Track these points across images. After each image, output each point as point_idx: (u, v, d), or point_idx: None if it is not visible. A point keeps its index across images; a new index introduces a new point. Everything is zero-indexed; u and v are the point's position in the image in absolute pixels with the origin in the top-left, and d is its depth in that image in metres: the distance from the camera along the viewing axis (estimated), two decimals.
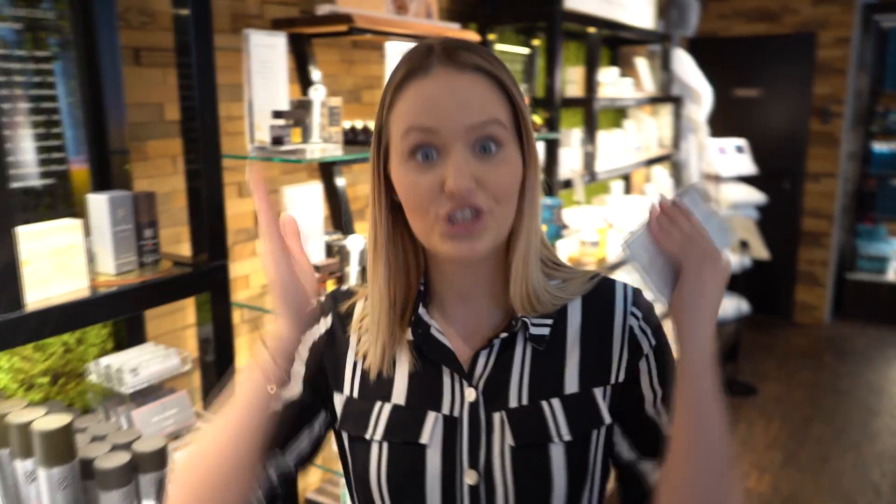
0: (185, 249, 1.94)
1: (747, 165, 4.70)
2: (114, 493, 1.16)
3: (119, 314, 1.33)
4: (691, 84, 4.30)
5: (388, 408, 0.86)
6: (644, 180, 4.41)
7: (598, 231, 2.98)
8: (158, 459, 1.22)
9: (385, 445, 0.84)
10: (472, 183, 0.76)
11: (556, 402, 0.83)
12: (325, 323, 0.93)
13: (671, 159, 4.25)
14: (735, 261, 4.66)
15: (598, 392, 0.85)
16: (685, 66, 4.31)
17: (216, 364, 1.51)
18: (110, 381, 1.39)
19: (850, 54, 5.28)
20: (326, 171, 2.10)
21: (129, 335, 1.61)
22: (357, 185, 2.51)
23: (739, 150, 4.77)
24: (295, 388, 0.91)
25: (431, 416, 0.84)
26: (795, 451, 3.79)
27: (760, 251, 4.26)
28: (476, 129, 0.77)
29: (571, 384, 0.84)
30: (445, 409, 0.84)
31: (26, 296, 1.14)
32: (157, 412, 1.43)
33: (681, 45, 4.75)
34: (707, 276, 0.82)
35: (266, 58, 1.69)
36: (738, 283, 4.69)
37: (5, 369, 1.45)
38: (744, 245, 4.32)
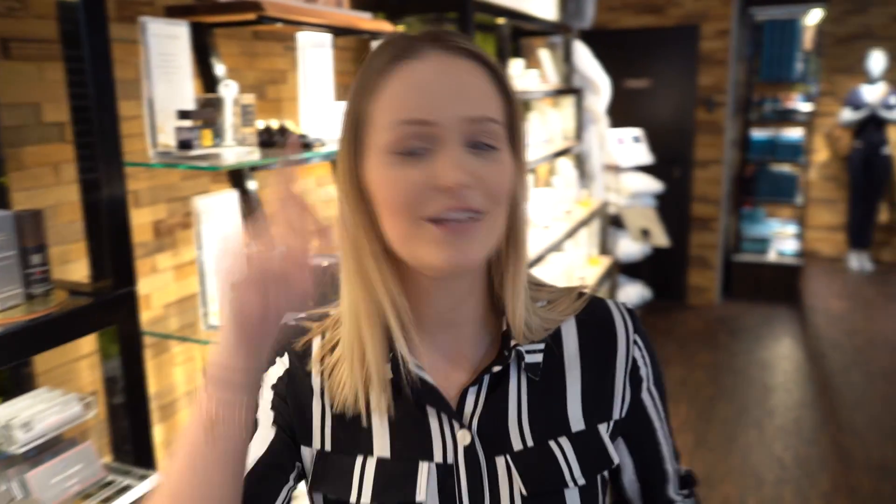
0: (75, 271, 1.69)
1: (644, 155, 4.81)
2: None
3: (4, 363, 1.10)
4: (590, 76, 4.33)
5: (371, 463, 0.73)
6: (549, 173, 4.41)
7: None
8: None
9: None
10: (470, 179, 0.66)
11: (564, 441, 0.75)
12: (283, 362, 0.78)
13: (574, 151, 4.26)
14: (637, 249, 4.77)
15: (602, 429, 0.78)
16: (583, 57, 4.34)
17: (127, 406, 1.29)
18: None
19: (729, 46, 5.52)
20: (236, 175, 1.90)
21: (15, 379, 1.36)
22: (266, 188, 2.30)
23: (636, 140, 4.87)
24: (262, 444, 0.75)
25: (424, 468, 0.72)
26: (705, 432, 3.91)
27: (661, 239, 4.37)
28: (474, 122, 0.67)
29: (577, 420, 0.76)
30: (438, 457, 0.72)
31: None
32: (58, 471, 1.21)
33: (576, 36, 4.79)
34: None
35: (166, 50, 1.48)
36: (640, 271, 4.80)
37: None
38: (645, 233, 4.41)
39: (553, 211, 3.61)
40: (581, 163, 4.42)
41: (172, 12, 1.78)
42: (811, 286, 6.37)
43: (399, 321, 0.74)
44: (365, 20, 2.07)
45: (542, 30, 3.84)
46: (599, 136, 4.48)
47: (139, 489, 1.19)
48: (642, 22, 5.73)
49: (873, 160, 6.43)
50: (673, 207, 5.77)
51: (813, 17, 6.06)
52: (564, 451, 0.74)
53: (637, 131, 4.97)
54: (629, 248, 4.73)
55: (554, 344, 0.78)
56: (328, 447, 0.75)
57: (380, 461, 0.73)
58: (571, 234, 3.63)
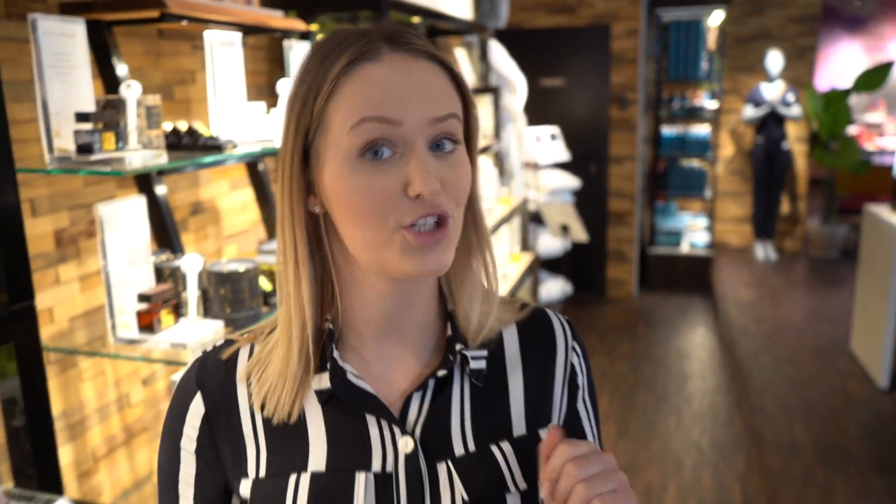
0: None
1: (561, 152, 4.90)
2: None
3: None
4: (507, 74, 4.38)
5: (306, 479, 0.70)
6: None
7: None
8: None
9: None
10: (439, 185, 0.65)
11: (506, 446, 0.74)
12: (199, 405, 0.74)
13: (493, 149, 4.30)
14: (557, 245, 4.85)
15: (543, 433, 0.76)
16: (499, 56, 4.38)
17: (28, 428, 1.21)
18: None
19: (639, 45, 5.69)
20: (143, 180, 1.81)
21: None
22: (175, 193, 2.22)
23: (553, 137, 4.96)
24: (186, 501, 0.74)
25: (361, 478, 0.70)
26: (626, 422, 4.02)
27: (580, 234, 4.46)
28: (438, 122, 0.66)
29: (519, 425, 0.76)
30: (376, 466, 0.70)
31: None
32: None
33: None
34: None
35: (61, 49, 1.39)
36: (561, 266, 4.89)
37: None
38: (564, 229, 4.50)
39: None
40: (500, 161, 4.46)
41: (67, 9, 1.68)
42: (721, 276, 6.65)
43: (336, 329, 0.73)
44: (276, 18, 2.02)
45: (458, 29, 3.85)
46: (517, 135, 4.54)
47: None
48: (555, 22, 5.84)
49: (775, 154, 6.77)
50: (591, 203, 5.91)
51: (715, 19, 6.32)
52: (506, 456, 0.73)
53: (554, 129, 5.06)
54: (550, 244, 4.82)
55: (496, 350, 0.77)
56: (262, 473, 0.72)
57: (314, 476, 0.70)
58: (493, 231, 3.66)
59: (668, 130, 6.48)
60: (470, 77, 4.09)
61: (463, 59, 4.02)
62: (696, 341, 5.24)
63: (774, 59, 6.57)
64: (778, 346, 5.00)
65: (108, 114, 1.41)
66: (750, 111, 6.72)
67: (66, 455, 1.89)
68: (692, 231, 6.61)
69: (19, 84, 1.65)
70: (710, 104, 6.44)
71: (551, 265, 5.18)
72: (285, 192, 0.69)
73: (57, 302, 1.82)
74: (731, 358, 4.88)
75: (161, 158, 1.46)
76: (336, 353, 0.72)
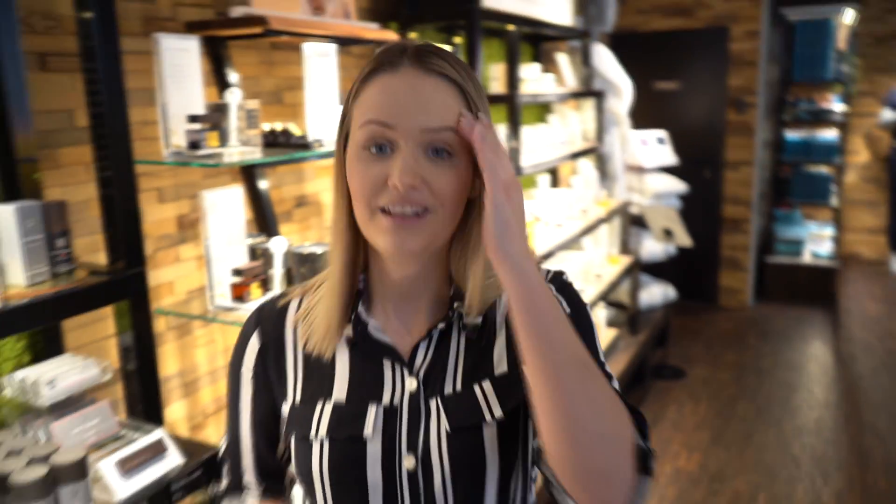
0: (104, 258, 1.90)
1: (668, 156, 4.86)
2: None
3: (32, 326, 1.30)
4: (612, 78, 4.42)
5: (329, 406, 0.88)
6: (570, 173, 4.52)
7: None
8: (78, 470, 1.20)
9: (326, 442, 0.86)
10: (418, 181, 0.78)
11: (487, 384, 0.86)
12: (256, 341, 0.95)
13: (596, 152, 4.36)
14: (660, 249, 4.82)
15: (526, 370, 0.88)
16: (605, 61, 4.44)
17: (138, 372, 1.49)
18: (26, 395, 1.36)
19: (759, 47, 5.52)
20: (248, 174, 2.09)
21: (47, 347, 1.57)
22: (282, 187, 2.50)
23: (661, 141, 4.93)
24: (246, 415, 0.95)
25: (372, 409, 0.86)
26: (722, 430, 3.96)
27: (684, 239, 4.43)
28: (431, 132, 0.78)
29: (501, 365, 0.88)
30: (386, 401, 0.86)
31: None
32: (78, 423, 1.41)
33: (601, 40, 4.88)
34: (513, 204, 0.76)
35: (178, 61, 1.67)
36: (664, 271, 4.86)
37: None
38: (668, 234, 4.48)
39: (568, 210, 3.72)
40: (603, 163, 4.51)
41: (191, 27, 1.98)
42: (849, 289, 6.28)
43: (365, 291, 0.91)
44: (370, 30, 2.25)
45: (560, 35, 3.96)
46: (621, 138, 4.57)
47: (143, 440, 1.38)
48: (672, 24, 5.78)
49: None
50: (704, 209, 5.80)
51: (847, 17, 6.00)
52: (485, 392, 0.86)
53: (661, 133, 5.02)
54: (653, 248, 4.80)
55: (491, 310, 0.90)
56: (298, 400, 0.91)
57: (336, 404, 0.87)
58: (586, 232, 3.73)
59: (792, 135, 6.22)
60: (571, 81, 4.18)
61: (564, 64, 4.12)
62: (810, 354, 5.02)
63: None
64: None
65: (214, 116, 1.68)
66: (888, 114, 6.31)
67: (180, 409, 2.20)
68: (816, 240, 6.30)
69: (149, 91, 1.96)
70: (840, 107, 6.11)
71: (655, 270, 5.15)
72: (335, 175, 0.87)
73: (177, 276, 2.14)
74: (847, 374, 4.65)
75: (255, 154, 1.72)
76: (361, 308, 0.89)
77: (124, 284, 1.43)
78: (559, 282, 0.93)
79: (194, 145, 1.63)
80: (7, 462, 1.20)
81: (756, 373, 4.70)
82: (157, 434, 1.41)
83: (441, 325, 0.88)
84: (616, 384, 0.87)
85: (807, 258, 6.11)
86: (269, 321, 0.95)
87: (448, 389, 0.86)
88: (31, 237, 1.34)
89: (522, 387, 0.83)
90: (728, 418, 4.08)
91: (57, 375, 1.39)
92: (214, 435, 2.33)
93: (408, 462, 0.84)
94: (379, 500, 0.85)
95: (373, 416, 0.86)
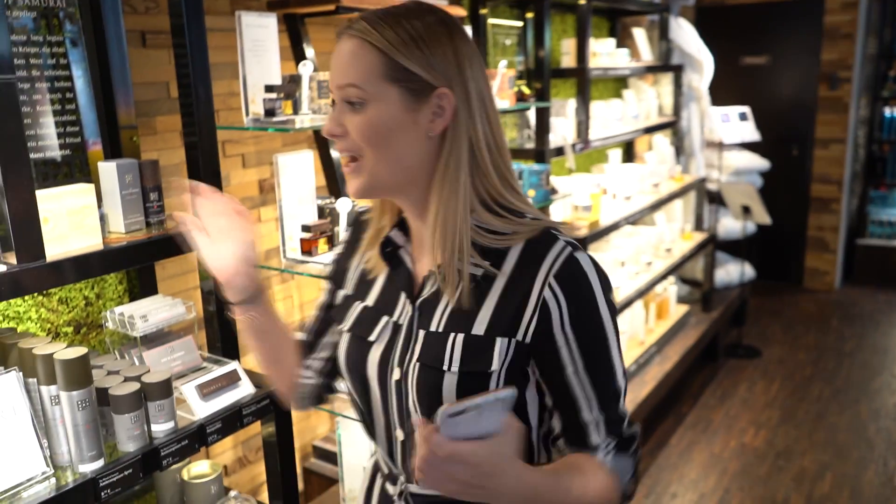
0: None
1: (751, 132, 4.76)
2: (125, 416, 1.35)
3: (128, 265, 1.51)
4: (692, 53, 4.37)
5: (359, 307, 1.04)
6: (646, 148, 4.51)
7: (590, 196, 3.11)
8: (164, 389, 1.41)
9: (347, 336, 1.04)
10: (337, 130, 0.92)
11: (460, 337, 0.92)
12: (347, 237, 1.16)
13: (673, 127, 4.34)
14: (738, 227, 4.75)
15: (500, 341, 0.91)
16: (686, 35, 4.38)
17: (217, 313, 1.69)
18: (124, 327, 1.58)
19: (858, 19, 5.28)
20: (322, 141, 2.27)
21: (142, 290, 1.80)
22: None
23: (743, 117, 4.83)
24: (322, 297, 1.15)
25: (384, 320, 1.01)
26: (793, 409, 3.91)
27: (762, 216, 4.35)
28: (340, 89, 0.91)
29: (479, 327, 0.92)
30: (396, 316, 1.00)
31: (46, 249, 1.33)
32: (166, 354, 1.62)
33: (685, 14, 4.81)
34: None
35: (258, 37, 1.85)
36: (741, 249, 4.79)
37: (35, 320, 1.65)
38: (746, 211, 4.41)
39: (639, 184, 3.74)
40: (680, 139, 4.48)
41: (272, 5, 2.17)
42: None
43: (403, 222, 1.04)
44: (442, 5, 2.37)
45: (639, 9, 3.95)
46: (701, 113, 4.51)
47: (220, 370, 1.58)
48: None
49: None
50: (790, 187, 5.63)
51: None
52: (455, 344, 0.92)
53: (744, 108, 4.92)
54: (731, 225, 4.73)
55: (496, 262, 0.95)
56: (350, 292, 1.09)
57: (364, 307, 1.04)
58: (657, 207, 3.75)
59: (892, 112, 5.92)
60: (647, 55, 4.16)
61: (641, 39, 4.11)
62: None
63: None
64: None
65: (288, 86, 1.85)
66: None
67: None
68: None
69: (233, 65, 2.17)
70: None
71: (734, 248, 5.07)
72: None
73: (258, 236, 2.35)
74: None
75: (324, 121, 1.88)
76: (394, 231, 1.01)
77: None
78: (567, 271, 0.90)
79: (270, 112, 1.81)
80: (107, 378, 1.42)
81: (836, 355, 4.58)
82: (232, 365, 1.61)
83: (435, 270, 0.95)
84: (622, 403, 0.95)
85: None
86: (355, 226, 1.15)
87: (433, 327, 0.95)
88: (129, 190, 1.55)
89: (486, 357, 0.91)
90: (801, 398, 4.03)
91: (149, 311, 1.60)
92: None
93: (394, 374, 0.97)
94: (377, 395, 1.01)
95: (381, 325, 1.00)
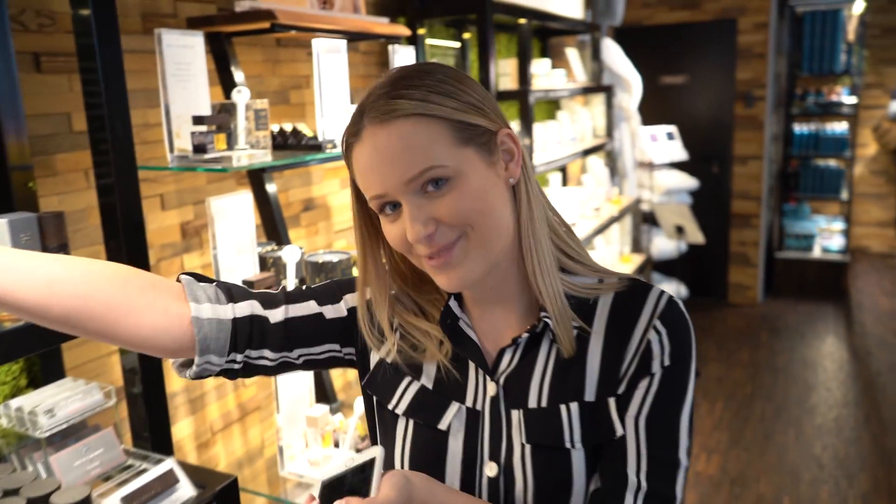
0: None
1: (678, 151, 4.76)
2: None
3: (30, 351, 1.19)
4: (621, 73, 4.32)
5: (415, 386, 0.88)
6: (580, 171, 4.41)
7: None
8: None
9: (410, 423, 0.87)
10: (430, 226, 0.77)
11: (574, 407, 0.81)
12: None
13: (605, 148, 4.26)
14: (672, 246, 4.72)
15: (612, 402, 0.82)
16: (614, 55, 4.33)
17: (144, 396, 1.38)
18: (23, 425, 1.25)
19: (768, 39, 5.42)
20: (256, 177, 1.98)
21: (45, 370, 1.46)
22: (289, 190, 2.39)
23: (670, 136, 4.83)
24: (327, 299, 0.94)
25: (454, 406, 0.86)
26: (741, 431, 3.86)
27: (696, 236, 4.32)
28: (414, 180, 0.76)
29: (590, 391, 0.82)
30: (469, 402, 0.86)
31: None
32: (80, 455, 1.30)
33: (608, 34, 4.77)
34: None
35: (182, 59, 1.56)
36: (675, 268, 4.76)
37: None
38: (679, 230, 4.37)
39: (581, 208, 3.61)
40: (613, 160, 4.40)
41: (193, 23, 1.87)
42: (859, 283, 6.19)
43: (459, 295, 0.89)
44: (380, 25, 2.13)
45: (570, 29, 3.85)
46: (631, 134, 4.46)
47: (153, 472, 1.27)
48: (678, 17, 5.67)
49: None
50: (712, 204, 5.70)
51: (857, 8, 5.90)
52: (571, 416, 0.81)
53: (671, 128, 4.92)
54: (664, 245, 4.70)
55: (588, 317, 0.84)
56: (389, 360, 0.90)
57: (422, 387, 0.88)
58: (600, 231, 3.63)
59: (800, 128, 6.12)
60: (581, 76, 4.07)
61: (574, 59, 4.01)
62: (825, 351, 4.93)
63: None
64: None
65: (221, 117, 1.56)
66: None
67: (187, 427, 2.09)
68: (826, 235, 6.21)
69: (150, 91, 1.85)
70: (849, 100, 6.01)
71: (666, 267, 5.05)
72: (353, 204, 0.87)
73: None
74: (864, 370, 4.56)
75: (266, 157, 1.60)
76: (453, 302, 0.87)
77: None
78: (671, 313, 0.82)
79: (200, 148, 1.51)
80: (2, 503, 1.09)
81: (771, 371, 4.60)
82: (167, 464, 1.30)
83: (525, 335, 0.84)
84: (679, 486, 0.81)
85: (816, 253, 6.02)
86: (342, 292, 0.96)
87: (533, 403, 0.83)
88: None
89: (608, 424, 0.80)
90: (746, 419, 3.99)
91: (56, 402, 1.27)
92: (223, 453, 2.23)
93: (489, 469, 0.83)
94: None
95: (453, 412, 0.85)
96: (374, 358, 0.92)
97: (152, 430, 1.39)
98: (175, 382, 2.02)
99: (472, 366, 0.86)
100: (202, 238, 2.10)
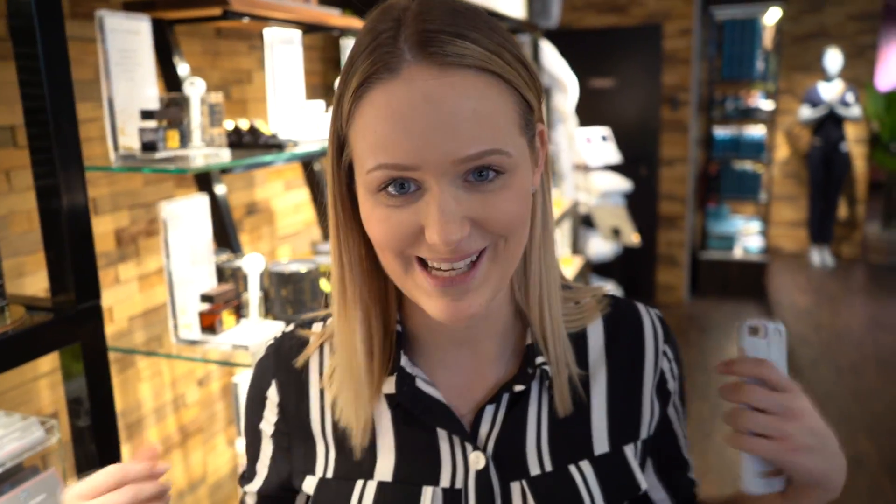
0: (31, 285, 1.58)
1: (612, 154, 4.80)
2: None
3: None
4: (558, 75, 4.30)
5: (371, 487, 0.68)
6: None
7: None
8: None
9: None
10: (466, 228, 0.56)
11: (586, 466, 0.69)
12: (275, 393, 0.73)
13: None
14: (608, 248, 4.75)
15: (629, 451, 0.72)
16: (550, 57, 4.31)
17: (93, 429, 1.20)
18: None
19: (692, 44, 5.55)
20: (203, 179, 1.80)
21: None
22: (231, 193, 2.21)
23: (604, 139, 4.86)
24: (259, 479, 0.74)
25: (428, 492, 0.66)
26: None
27: (632, 237, 4.36)
28: (470, 160, 0.55)
29: (601, 442, 0.70)
30: (445, 482, 0.66)
31: None
32: (20, 502, 1.11)
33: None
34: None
35: (126, 46, 1.38)
36: (612, 270, 4.80)
37: None
38: (616, 233, 4.40)
39: None
40: (551, 163, 4.39)
41: (130, 7, 1.67)
42: (776, 282, 6.45)
43: (405, 332, 0.70)
44: (334, 16, 2.00)
45: (512, 28, 3.80)
46: (568, 136, 4.46)
47: None
48: (606, 21, 5.73)
49: (833, 157, 6.54)
50: (641, 206, 5.79)
51: (772, 17, 6.14)
52: (585, 477, 0.68)
53: (605, 130, 4.96)
54: (600, 247, 4.72)
55: (581, 354, 0.71)
56: (329, 473, 0.70)
57: (380, 485, 0.68)
58: None
59: (721, 132, 6.32)
60: None
61: None
62: None
63: (833, 58, 6.35)
64: (838, 356, 4.82)
65: (173, 111, 1.40)
66: (807, 112, 6.51)
67: (123, 454, 1.89)
68: (745, 235, 6.43)
69: (82, 83, 1.64)
70: (766, 105, 6.25)
71: (602, 269, 5.09)
72: (334, 204, 0.64)
73: (116, 301, 1.82)
74: (790, 367, 4.71)
75: (224, 157, 1.44)
76: (405, 360, 0.68)
77: (75, 323, 1.14)
78: (668, 332, 0.77)
79: (150, 146, 1.34)
80: None
81: (703, 370, 4.70)
82: None
83: (518, 388, 0.67)
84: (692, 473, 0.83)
85: (738, 253, 6.22)
86: (288, 371, 0.73)
87: (535, 469, 0.68)
88: None
89: (628, 478, 0.70)
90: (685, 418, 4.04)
91: None
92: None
93: None
94: None
95: (429, 501, 0.66)
96: (309, 482, 0.71)
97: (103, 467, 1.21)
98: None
99: (441, 433, 0.68)
100: (139, 246, 1.90)
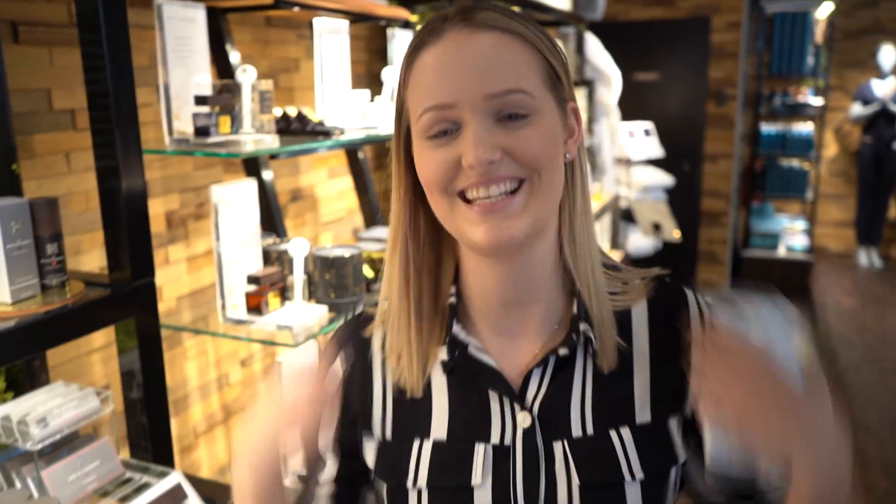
0: (87, 262, 1.64)
1: (655, 148, 4.76)
2: None
3: (20, 356, 1.05)
4: (602, 68, 4.27)
5: (428, 446, 0.74)
6: None
7: None
8: None
9: (425, 492, 0.73)
10: (497, 153, 0.66)
11: (626, 432, 0.72)
12: (343, 360, 0.79)
13: (585, 144, 4.21)
14: (648, 243, 4.72)
15: (673, 423, 0.73)
16: (594, 49, 4.28)
17: (145, 401, 1.25)
18: (11, 437, 1.11)
19: (741, 38, 5.45)
20: (251, 165, 1.85)
21: (29, 373, 1.31)
22: (277, 179, 2.25)
23: (647, 133, 4.82)
24: (331, 467, 0.79)
25: (480, 450, 0.72)
26: None
27: (672, 234, 4.32)
28: (497, 97, 0.66)
29: (643, 412, 0.73)
30: (495, 439, 0.72)
31: None
32: (75, 468, 1.16)
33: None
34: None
35: (182, 33, 1.43)
36: (652, 265, 4.76)
37: None
38: (656, 228, 4.36)
39: None
40: (592, 156, 4.36)
41: None
42: (820, 282, 6.30)
43: (460, 303, 0.75)
44: (381, 6, 2.03)
45: (555, 20, 3.78)
46: (611, 129, 4.43)
47: (158, 487, 1.15)
48: (652, 14, 5.66)
49: (884, 155, 6.36)
50: (683, 202, 5.72)
51: (824, 11, 5.99)
52: (624, 443, 0.71)
53: (648, 124, 4.91)
54: (640, 242, 4.69)
55: (624, 330, 0.74)
56: (388, 436, 0.76)
57: (436, 444, 0.73)
58: None
59: (767, 128, 6.20)
60: None
61: None
62: None
63: (887, 54, 6.16)
64: (883, 358, 4.70)
65: (225, 98, 1.44)
66: (858, 109, 6.33)
67: (171, 429, 1.95)
68: (790, 234, 6.30)
69: (138, 69, 1.69)
70: (815, 101, 6.11)
71: (642, 264, 5.04)
72: (395, 173, 0.74)
73: (166, 281, 1.88)
74: (830, 369, 4.63)
75: (273, 142, 1.48)
76: (457, 327, 0.74)
77: (130, 299, 1.19)
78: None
79: (203, 131, 1.39)
80: None
81: None
82: (174, 478, 1.18)
83: (563, 351, 0.72)
84: None
85: (782, 252, 6.11)
86: (352, 344, 0.80)
87: (577, 431, 0.71)
88: (18, 243, 1.09)
89: (668, 448, 0.73)
90: None
91: (48, 411, 1.14)
92: (206, 456, 2.09)
93: None
94: None
95: (481, 457, 0.71)
96: (370, 445, 0.77)
97: (153, 440, 1.26)
98: None
99: (492, 395, 0.73)
100: (188, 228, 1.96)
